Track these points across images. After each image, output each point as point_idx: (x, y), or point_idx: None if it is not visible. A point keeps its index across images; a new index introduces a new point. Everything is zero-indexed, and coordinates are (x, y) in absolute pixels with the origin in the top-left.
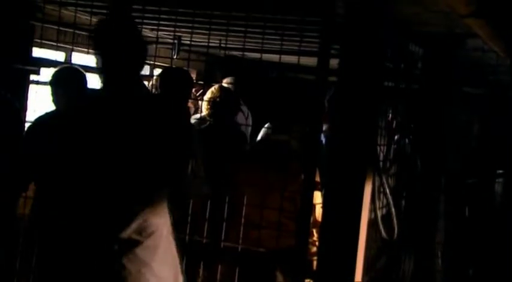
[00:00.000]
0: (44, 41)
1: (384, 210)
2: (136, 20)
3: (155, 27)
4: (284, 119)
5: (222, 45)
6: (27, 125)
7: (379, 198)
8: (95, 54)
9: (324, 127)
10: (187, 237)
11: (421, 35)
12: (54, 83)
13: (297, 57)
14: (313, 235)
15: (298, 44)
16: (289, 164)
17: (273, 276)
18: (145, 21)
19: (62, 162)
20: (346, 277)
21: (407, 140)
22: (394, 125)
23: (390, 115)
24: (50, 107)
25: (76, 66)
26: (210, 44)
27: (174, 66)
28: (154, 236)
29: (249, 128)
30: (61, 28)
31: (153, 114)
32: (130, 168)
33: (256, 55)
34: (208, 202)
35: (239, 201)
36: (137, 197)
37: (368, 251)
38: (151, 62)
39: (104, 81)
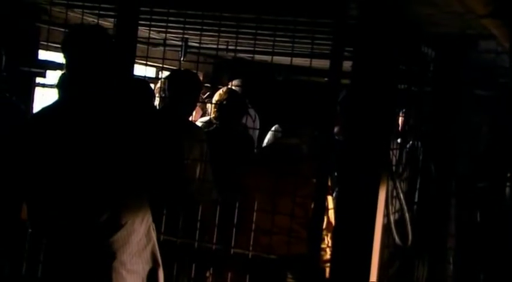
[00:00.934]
0: (50, 44)
1: (396, 215)
2: (144, 22)
3: (162, 29)
4: (294, 123)
5: (232, 47)
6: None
7: (392, 203)
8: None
9: (335, 129)
10: (196, 243)
11: (433, 37)
12: (61, 85)
13: (304, 59)
14: (324, 241)
15: (309, 46)
16: (299, 168)
17: None
18: (152, 23)
19: (37, 165)
20: None
21: (419, 144)
22: (406, 128)
23: (403, 118)
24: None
25: None
26: (218, 46)
27: (180, 68)
28: (124, 229)
29: (257, 131)
30: (68, 30)
31: (113, 114)
32: (96, 164)
33: (264, 57)
34: (218, 207)
35: (248, 206)
36: (105, 191)
37: (380, 257)
38: (158, 65)
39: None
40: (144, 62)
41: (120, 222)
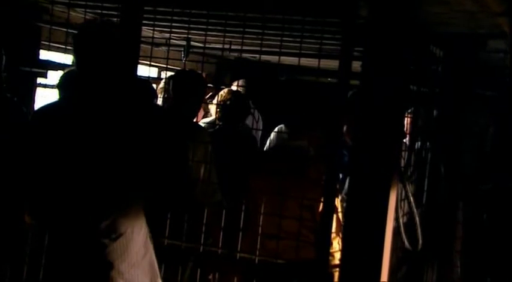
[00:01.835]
0: (52, 44)
1: (405, 218)
2: (147, 22)
3: (166, 29)
4: (301, 124)
5: (237, 47)
6: None
7: (401, 206)
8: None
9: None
10: (201, 247)
11: (441, 36)
12: (62, 86)
13: (307, 59)
14: (332, 245)
15: (316, 46)
16: (307, 170)
17: None
18: (155, 22)
19: (40, 166)
20: None
21: (428, 145)
22: (415, 129)
23: (410, 119)
24: None
25: None
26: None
27: (182, 68)
28: (123, 238)
29: (259, 132)
30: (70, 30)
31: (118, 114)
32: (98, 166)
33: (268, 57)
34: (223, 210)
35: (254, 209)
36: (106, 195)
37: (390, 261)
38: (161, 65)
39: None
40: (146, 62)
41: (119, 231)
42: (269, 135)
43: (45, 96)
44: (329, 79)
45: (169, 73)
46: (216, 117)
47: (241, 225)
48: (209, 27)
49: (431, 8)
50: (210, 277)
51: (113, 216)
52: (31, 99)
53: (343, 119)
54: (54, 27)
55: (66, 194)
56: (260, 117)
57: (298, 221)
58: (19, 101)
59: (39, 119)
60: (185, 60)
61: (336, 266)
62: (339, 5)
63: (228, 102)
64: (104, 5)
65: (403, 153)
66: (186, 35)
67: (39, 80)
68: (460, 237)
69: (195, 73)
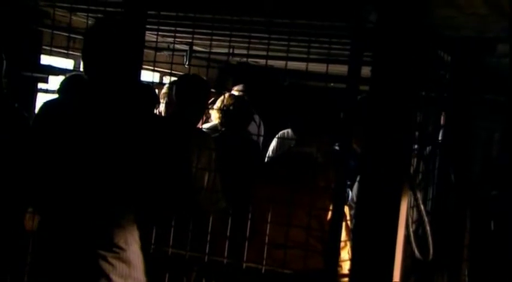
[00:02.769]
0: (53, 49)
1: (414, 226)
2: (151, 27)
3: (171, 33)
4: (309, 130)
5: (244, 52)
6: None
7: (410, 214)
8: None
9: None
10: (206, 256)
11: (450, 40)
12: (63, 91)
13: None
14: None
15: (326, 51)
16: (315, 178)
17: None
18: (159, 27)
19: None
20: None
21: (437, 152)
22: (424, 134)
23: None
24: None
25: None
26: (222, 51)
27: (184, 73)
28: (118, 249)
29: (261, 138)
30: (71, 35)
31: (120, 123)
32: (92, 178)
33: (270, 62)
34: (229, 219)
35: (261, 218)
36: (99, 208)
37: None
38: (163, 70)
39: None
40: (148, 67)
41: (114, 241)
42: (271, 141)
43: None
44: (332, 84)
45: (172, 78)
46: (219, 123)
47: (247, 234)
48: (214, 32)
49: (441, 11)
50: None
51: (109, 226)
52: (32, 104)
53: (352, 125)
54: (55, 31)
55: (63, 199)
56: (261, 123)
57: (305, 230)
58: (20, 106)
59: (43, 117)
60: (189, 65)
61: (344, 275)
62: (348, 10)
63: (231, 108)
64: (107, 9)
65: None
66: (188, 40)
67: (40, 85)
68: (467, 245)
69: (199, 78)
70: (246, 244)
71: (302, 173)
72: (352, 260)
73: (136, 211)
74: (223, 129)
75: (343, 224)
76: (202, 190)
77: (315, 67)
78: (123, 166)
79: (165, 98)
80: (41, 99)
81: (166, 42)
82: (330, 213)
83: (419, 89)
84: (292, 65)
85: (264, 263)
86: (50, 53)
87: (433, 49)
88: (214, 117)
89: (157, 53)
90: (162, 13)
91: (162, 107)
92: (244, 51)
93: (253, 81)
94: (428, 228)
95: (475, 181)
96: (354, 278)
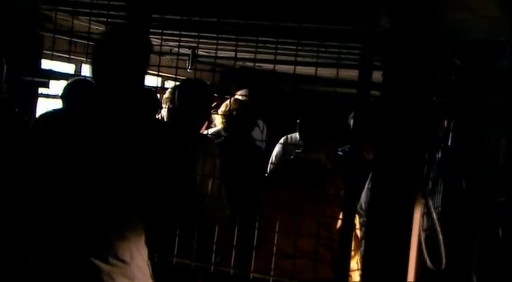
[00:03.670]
0: (55, 53)
1: (424, 234)
2: (154, 30)
3: (175, 38)
4: (317, 136)
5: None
6: None
7: (421, 222)
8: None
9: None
10: (212, 266)
11: (460, 44)
12: (66, 96)
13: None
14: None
15: (336, 55)
16: (324, 185)
17: None
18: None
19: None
20: None
21: (447, 157)
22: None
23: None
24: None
25: (89, 79)
26: (227, 55)
27: (186, 78)
28: (121, 262)
29: (264, 144)
30: (73, 39)
31: (123, 130)
32: (94, 188)
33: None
34: (235, 227)
35: (268, 226)
36: (101, 220)
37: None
38: (166, 74)
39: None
40: (150, 72)
41: (117, 254)
42: (274, 147)
43: (47, 106)
44: (335, 89)
45: (173, 82)
46: (222, 128)
47: (254, 243)
48: (220, 36)
49: (453, 15)
50: None
51: (112, 238)
52: (33, 109)
53: (363, 132)
54: (57, 36)
55: (64, 208)
56: (265, 128)
57: (314, 239)
58: (20, 111)
59: (41, 127)
60: (194, 69)
61: None
62: (359, 13)
63: (235, 113)
64: (110, 13)
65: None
66: (191, 44)
67: (41, 90)
68: (475, 253)
69: (202, 82)
70: (253, 253)
71: (310, 180)
72: (363, 270)
73: (142, 221)
74: (226, 134)
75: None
76: (206, 197)
77: (319, 72)
78: (128, 173)
79: (168, 103)
80: (42, 104)
81: (169, 46)
82: (339, 221)
83: (432, 93)
84: (298, 69)
85: (272, 273)
86: (52, 58)
87: (444, 53)
88: (218, 122)
89: (161, 58)
90: (165, 17)
91: (164, 112)
92: (249, 56)
93: (256, 86)
94: (440, 236)
95: (485, 187)
96: None
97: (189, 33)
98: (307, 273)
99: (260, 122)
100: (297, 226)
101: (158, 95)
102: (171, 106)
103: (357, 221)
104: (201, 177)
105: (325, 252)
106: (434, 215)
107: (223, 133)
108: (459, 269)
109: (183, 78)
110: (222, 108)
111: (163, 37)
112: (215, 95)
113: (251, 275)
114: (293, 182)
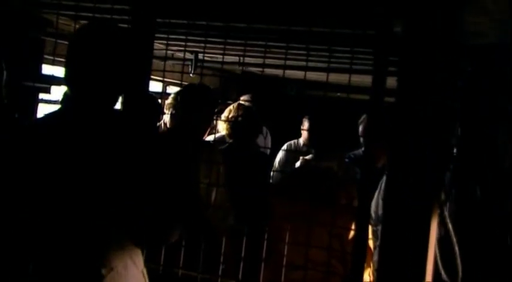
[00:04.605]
0: (56, 58)
1: (438, 245)
2: (161, 35)
3: (181, 42)
4: (329, 144)
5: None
6: None
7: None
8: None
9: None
10: (219, 279)
11: (472, 48)
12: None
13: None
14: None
15: (348, 60)
16: (336, 195)
17: None
18: (160, 35)
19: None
20: None
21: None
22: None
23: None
24: None
25: None
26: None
27: (188, 82)
28: (115, 273)
29: (268, 150)
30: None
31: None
32: (88, 198)
33: (274, 71)
34: (244, 238)
35: (277, 237)
36: (95, 229)
37: None
38: (166, 79)
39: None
40: (156, 78)
41: (110, 265)
42: (277, 153)
43: (47, 112)
44: (338, 94)
45: (176, 88)
46: (227, 134)
47: (263, 254)
48: (228, 40)
49: (469, 18)
50: None
51: (105, 249)
52: (33, 115)
53: (376, 139)
54: (59, 40)
55: (54, 221)
56: (268, 134)
57: (326, 250)
58: (21, 117)
59: (29, 136)
60: (200, 74)
61: None
62: (372, 17)
63: (240, 119)
64: (113, 17)
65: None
66: (193, 49)
67: (42, 96)
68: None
69: (205, 87)
70: (262, 265)
71: (322, 188)
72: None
73: (138, 232)
74: (232, 140)
75: None
76: (210, 206)
77: (319, 77)
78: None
79: (171, 109)
80: (43, 109)
81: (171, 51)
82: (351, 232)
83: (447, 99)
84: (297, 74)
85: None
86: (53, 63)
87: (457, 58)
88: (222, 128)
89: (162, 62)
90: (171, 21)
91: (167, 118)
92: (254, 60)
93: (259, 91)
94: (456, 248)
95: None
96: None
97: (195, 38)
98: None
99: (263, 128)
100: (308, 236)
101: (160, 101)
102: (173, 112)
103: (369, 231)
104: (204, 185)
105: (338, 263)
106: (450, 226)
107: (227, 139)
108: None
109: (185, 83)
110: (225, 114)
111: (173, 42)
112: (218, 100)
113: None
114: (304, 191)
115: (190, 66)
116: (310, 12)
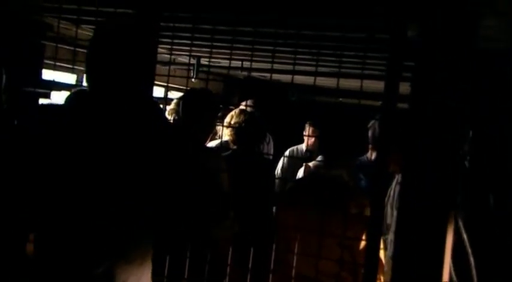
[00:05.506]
0: (58, 63)
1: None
2: (165, 40)
3: (185, 47)
4: (340, 152)
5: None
6: None
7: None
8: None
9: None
10: None
11: (483, 53)
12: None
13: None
14: None
15: (360, 66)
16: (347, 204)
17: None
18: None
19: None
20: None
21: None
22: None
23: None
24: None
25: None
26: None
27: (190, 87)
28: None
29: (270, 156)
30: (77, 48)
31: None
32: (95, 211)
33: (276, 76)
34: (251, 248)
35: (285, 247)
36: (103, 241)
37: None
38: (171, 85)
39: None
40: (161, 83)
41: (117, 278)
42: (279, 159)
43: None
44: (340, 99)
45: (177, 93)
46: (230, 140)
47: (271, 265)
48: (236, 45)
49: (482, 21)
50: None
51: (112, 261)
52: (33, 121)
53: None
54: (60, 45)
55: (63, 228)
56: (271, 140)
57: (337, 262)
58: (19, 123)
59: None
60: (205, 79)
61: None
62: (385, 21)
63: (244, 125)
64: None
65: None
66: (196, 54)
67: (42, 101)
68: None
69: (207, 92)
70: (270, 276)
71: (332, 198)
72: None
73: (147, 242)
74: (236, 147)
75: None
76: (213, 214)
77: (324, 82)
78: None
79: (173, 114)
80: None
81: (173, 55)
82: (362, 243)
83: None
84: (300, 79)
85: None
86: (54, 68)
87: (473, 62)
88: (225, 133)
89: (164, 67)
90: (175, 25)
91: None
92: (257, 65)
93: (261, 96)
94: (472, 259)
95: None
96: None
97: (199, 43)
98: None
99: (266, 134)
100: (318, 247)
101: (162, 106)
102: (176, 118)
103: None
104: (207, 192)
105: (348, 275)
106: (465, 236)
107: (231, 145)
108: None
109: (186, 88)
110: (227, 119)
111: (178, 47)
112: (220, 105)
113: None
114: (313, 200)
115: (192, 71)
116: (320, 16)
